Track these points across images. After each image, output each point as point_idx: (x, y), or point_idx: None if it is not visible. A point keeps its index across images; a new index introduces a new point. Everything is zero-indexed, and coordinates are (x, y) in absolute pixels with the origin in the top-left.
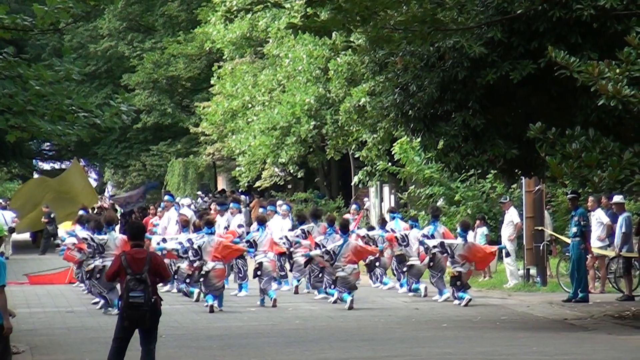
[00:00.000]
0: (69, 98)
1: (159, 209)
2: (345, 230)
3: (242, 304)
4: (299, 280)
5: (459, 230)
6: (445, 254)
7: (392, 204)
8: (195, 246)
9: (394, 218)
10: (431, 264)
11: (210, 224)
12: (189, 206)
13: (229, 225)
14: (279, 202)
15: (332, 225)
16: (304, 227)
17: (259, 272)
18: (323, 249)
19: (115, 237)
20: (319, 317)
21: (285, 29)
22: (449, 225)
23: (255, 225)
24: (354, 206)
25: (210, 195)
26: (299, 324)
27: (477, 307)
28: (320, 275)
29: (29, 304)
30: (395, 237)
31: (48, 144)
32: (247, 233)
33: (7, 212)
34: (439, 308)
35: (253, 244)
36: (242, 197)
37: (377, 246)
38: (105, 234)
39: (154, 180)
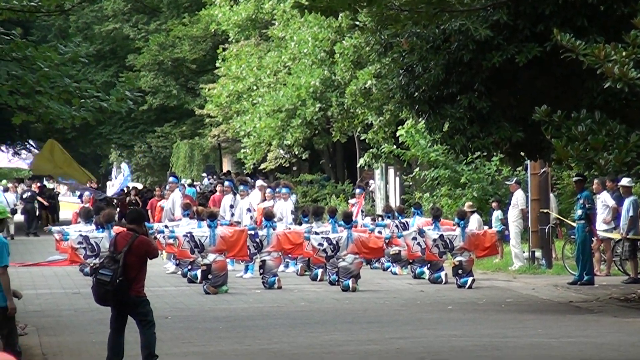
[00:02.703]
0: (77, 82)
1: (165, 191)
2: (348, 221)
3: (247, 286)
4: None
5: (456, 219)
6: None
7: (397, 187)
8: (196, 239)
9: (415, 213)
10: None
11: (213, 216)
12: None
13: (233, 206)
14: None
15: (334, 217)
16: (307, 226)
17: (261, 270)
18: (323, 236)
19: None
20: (325, 299)
21: (292, 8)
22: (454, 208)
23: (259, 215)
24: (357, 190)
25: (215, 177)
26: (304, 306)
27: (482, 289)
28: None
29: (35, 285)
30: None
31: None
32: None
33: (9, 194)
34: (444, 290)
35: (260, 245)
36: (248, 178)
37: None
38: (104, 231)
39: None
